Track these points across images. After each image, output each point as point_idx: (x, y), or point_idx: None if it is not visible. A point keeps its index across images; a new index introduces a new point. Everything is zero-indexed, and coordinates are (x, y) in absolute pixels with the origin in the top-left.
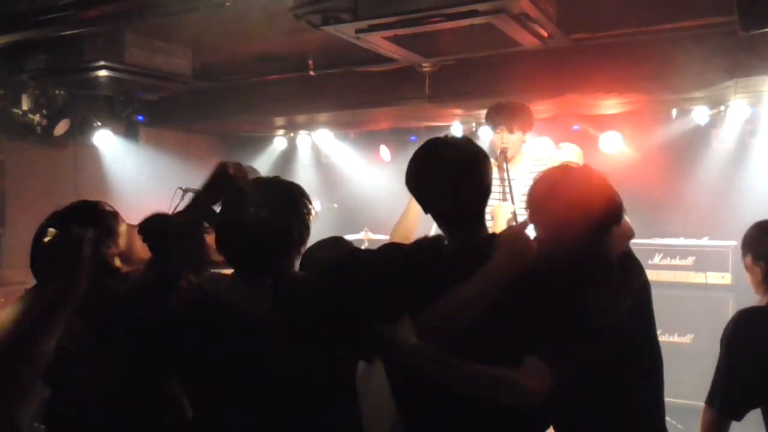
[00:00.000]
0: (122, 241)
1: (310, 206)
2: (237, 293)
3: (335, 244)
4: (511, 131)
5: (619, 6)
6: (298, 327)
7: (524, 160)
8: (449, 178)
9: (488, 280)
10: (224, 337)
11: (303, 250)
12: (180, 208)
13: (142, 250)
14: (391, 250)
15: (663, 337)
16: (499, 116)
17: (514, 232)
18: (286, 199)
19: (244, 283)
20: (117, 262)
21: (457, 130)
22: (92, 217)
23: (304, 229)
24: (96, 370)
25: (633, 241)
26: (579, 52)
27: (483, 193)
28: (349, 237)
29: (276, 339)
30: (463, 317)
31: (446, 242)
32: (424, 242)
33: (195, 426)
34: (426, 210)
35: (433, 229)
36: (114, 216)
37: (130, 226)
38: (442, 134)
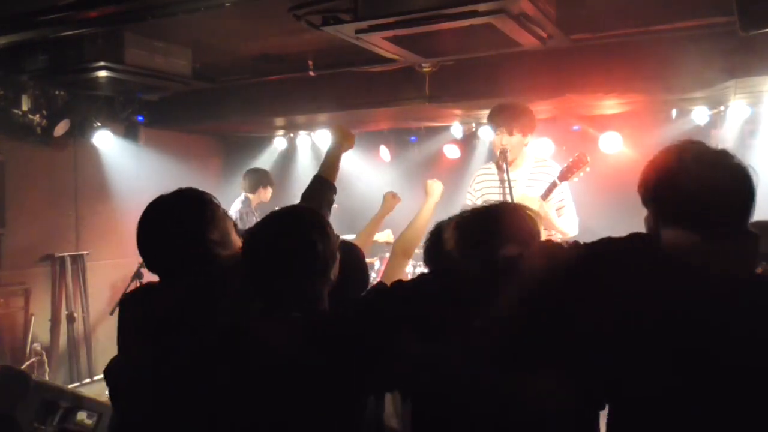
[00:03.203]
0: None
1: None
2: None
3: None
4: (510, 133)
5: (619, 6)
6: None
7: (525, 162)
8: None
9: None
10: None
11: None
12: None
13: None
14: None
15: None
16: (499, 117)
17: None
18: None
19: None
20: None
21: (457, 130)
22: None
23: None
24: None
25: None
26: (579, 52)
27: None
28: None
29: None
30: None
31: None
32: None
33: None
34: None
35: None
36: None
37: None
38: (442, 134)
